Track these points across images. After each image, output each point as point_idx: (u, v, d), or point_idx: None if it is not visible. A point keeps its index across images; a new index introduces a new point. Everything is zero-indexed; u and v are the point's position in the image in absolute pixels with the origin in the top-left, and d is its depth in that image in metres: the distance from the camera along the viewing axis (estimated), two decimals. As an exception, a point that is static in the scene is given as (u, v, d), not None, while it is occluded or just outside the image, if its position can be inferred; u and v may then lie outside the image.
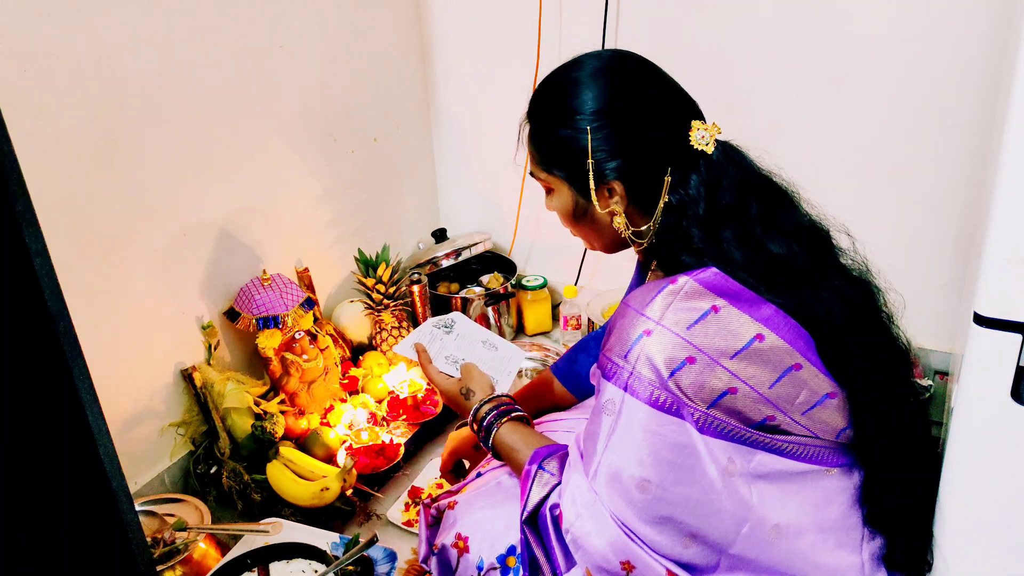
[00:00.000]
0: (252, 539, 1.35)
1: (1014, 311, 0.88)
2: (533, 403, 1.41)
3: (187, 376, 1.60)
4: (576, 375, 1.40)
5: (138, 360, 1.53)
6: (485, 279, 2.25)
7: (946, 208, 1.70)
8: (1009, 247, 0.86)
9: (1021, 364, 0.90)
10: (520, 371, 1.52)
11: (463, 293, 2.18)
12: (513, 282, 2.20)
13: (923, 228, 1.74)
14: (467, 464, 1.36)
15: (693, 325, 0.94)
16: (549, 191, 1.11)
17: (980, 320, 0.91)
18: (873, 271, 1.07)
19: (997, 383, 0.91)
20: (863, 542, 1.02)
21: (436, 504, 1.20)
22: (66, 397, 0.60)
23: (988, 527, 1.00)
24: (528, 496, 1.03)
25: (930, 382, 1.73)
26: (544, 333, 2.25)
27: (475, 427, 1.18)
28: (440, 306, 2.13)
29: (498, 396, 1.19)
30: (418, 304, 2.01)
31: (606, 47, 1.89)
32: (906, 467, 1.03)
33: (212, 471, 1.60)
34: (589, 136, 1.01)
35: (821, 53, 1.70)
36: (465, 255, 2.19)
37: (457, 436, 1.36)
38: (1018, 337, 0.89)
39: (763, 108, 1.81)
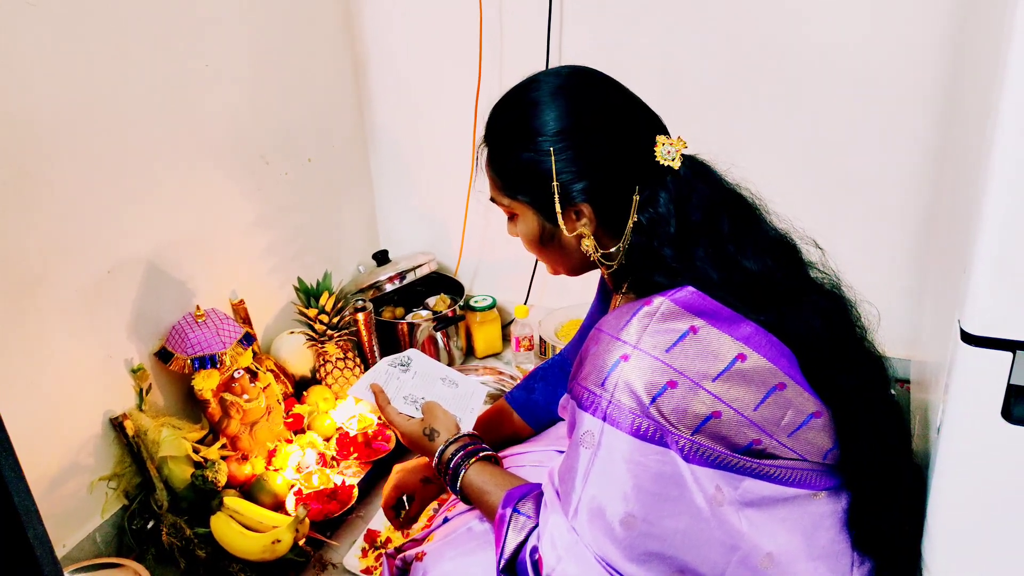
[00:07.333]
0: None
1: (1003, 328, 0.86)
2: (490, 435, 1.33)
3: (117, 425, 1.48)
4: (535, 405, 1.33)
5: (62, 411, 1.40)
6: (431, 301, 2.16)
7: (901, 212, 1.71)
8: (997, 264, 0.84)
9: (1012, 382, 0.88)
10: None
11: (409, 318, 2.09)
12: (461, 303, 2.12)
13: (879, 233, 1.74)
14: (407, 503, 1.27)
15: (672, 347, 0.90)
16: (512, 217, 1.05)
17: (968, 338, 0.89)
18: (844, 283, 1.04)
19: (987, 402, 0.90)
20: (853, 567, 1.00)
21: (402, 555, 1.12)
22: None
23: (978, 548, 0.98)
24: (504, 543, 0.98)
25: (893, 391, 1.73)
26: (495, 355, 2.18)
27: (441, 469, 1.11)
28: (386, 332, 2.03)
29: (464, 435, 1.13)
30: (363, 332, 1.91)
31: (550, 59, 1.84)
32: (894, 487, 1.01)
33: (149, 526, 1.47)
34: (553, 158, 0.95)
35: (774, 58, 1.69)
36: (410, 277, 2.10)
37: (403, 468, 1.28)
38: (1008, 355, 0.87)
39: (716, 117, 1.78)
